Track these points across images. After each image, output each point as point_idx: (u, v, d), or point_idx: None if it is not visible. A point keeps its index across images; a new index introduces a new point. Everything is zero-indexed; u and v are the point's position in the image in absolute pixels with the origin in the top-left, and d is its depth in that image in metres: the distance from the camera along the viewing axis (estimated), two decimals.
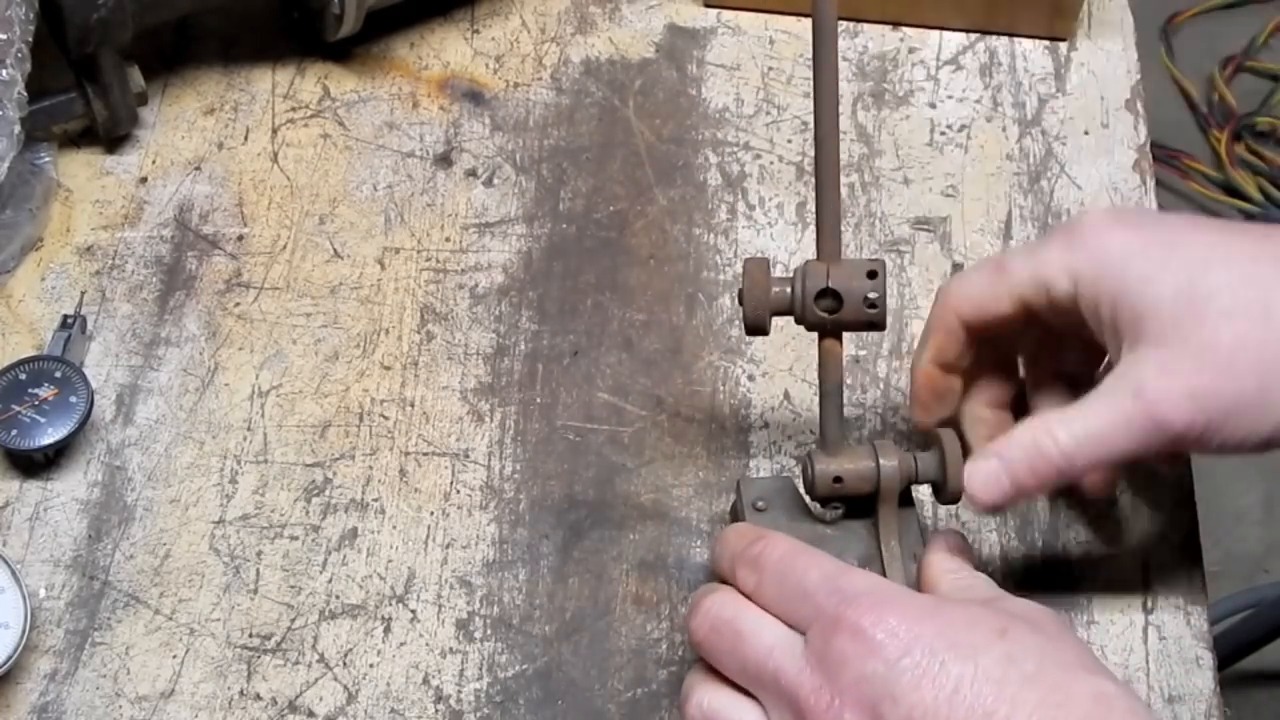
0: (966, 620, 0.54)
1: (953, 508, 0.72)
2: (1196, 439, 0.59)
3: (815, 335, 0.63)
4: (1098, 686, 0.53)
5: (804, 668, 0.54)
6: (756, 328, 0.64)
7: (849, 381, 0.76)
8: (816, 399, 0.75)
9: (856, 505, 0.64)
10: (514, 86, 0.86)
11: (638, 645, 0.69)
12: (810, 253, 0.81)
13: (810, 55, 0.60)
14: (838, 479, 0.63)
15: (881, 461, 0.63)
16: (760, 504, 0.65)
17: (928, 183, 0.83)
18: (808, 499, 0.65)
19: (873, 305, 0.62)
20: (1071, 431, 0.60)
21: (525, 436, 0.74)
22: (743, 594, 0.58)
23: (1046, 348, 0.69)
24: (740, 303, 0.64)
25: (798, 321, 0.63)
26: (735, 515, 0.67)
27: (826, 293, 0.62)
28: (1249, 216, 1.90)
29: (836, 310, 0.62)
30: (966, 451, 0.63)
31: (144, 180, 0.82)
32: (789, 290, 0.63)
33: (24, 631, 0.65)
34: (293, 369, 0.76)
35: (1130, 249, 0.61)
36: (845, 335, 0.63)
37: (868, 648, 0.53)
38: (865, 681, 0.53)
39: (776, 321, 0.77)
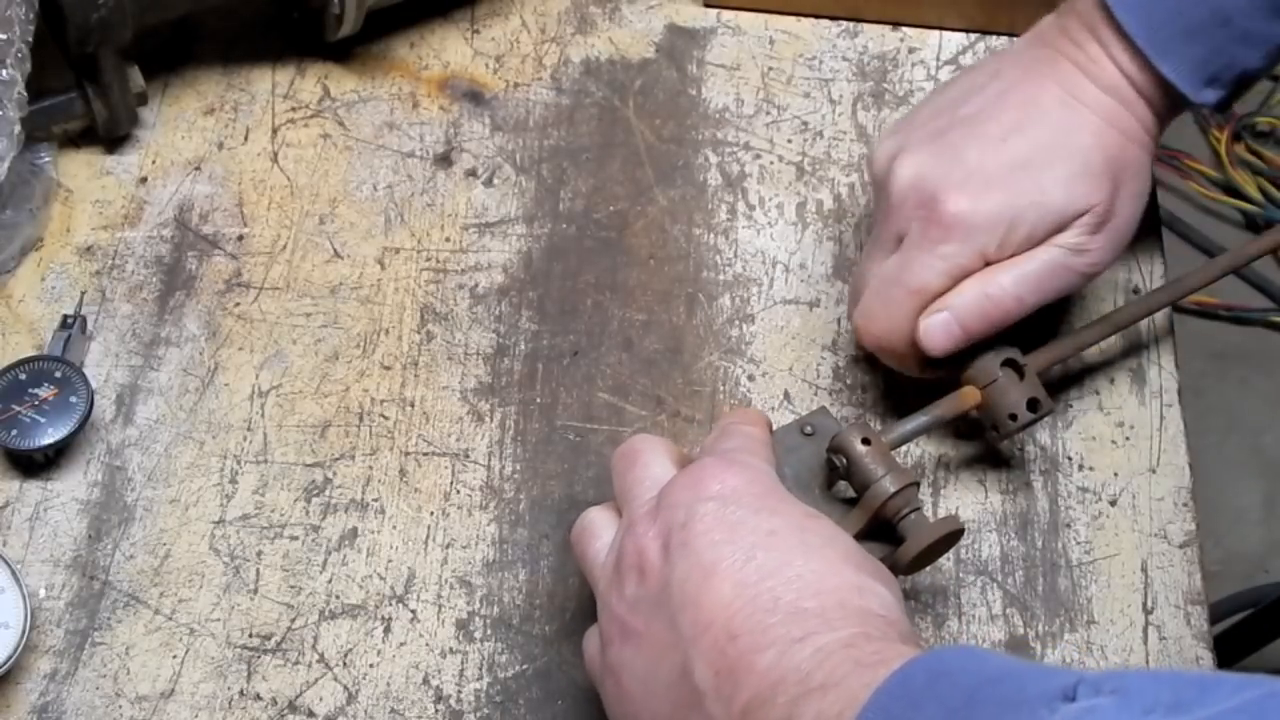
0: (789, 502, 0.58)
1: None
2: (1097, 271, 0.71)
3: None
4: (867, 582, 0.55)
5: (653, 492, 0.59)
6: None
7: (849, 381, 0.76)
8: (815, 399, 0.75)
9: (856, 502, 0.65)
10: (514, 86, 0.86)
11: None
12: (809, 253, 0.81)
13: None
14: (846, 454, 0.64)
15: (885, 480, 0.63)
16: (809, 429, 0.67)
17: None
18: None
19: (1012, 418, 0.69)
20: (1013, 275, 0.69)
21: (525, 436, 0.74)
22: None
23: None
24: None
25: (966, 374, 0.70)
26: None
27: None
28: (1249, 217, 1.90)
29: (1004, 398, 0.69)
30: (951, 540, 0.65)
31: (144, 180, 0.82)
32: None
33: (24, 631, 0.65)
34: (293, 369, 0.76)
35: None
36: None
37: (692, 485, 0.58)
38: (672, 509, 0.57)
39: (777, 321, 0.78)
